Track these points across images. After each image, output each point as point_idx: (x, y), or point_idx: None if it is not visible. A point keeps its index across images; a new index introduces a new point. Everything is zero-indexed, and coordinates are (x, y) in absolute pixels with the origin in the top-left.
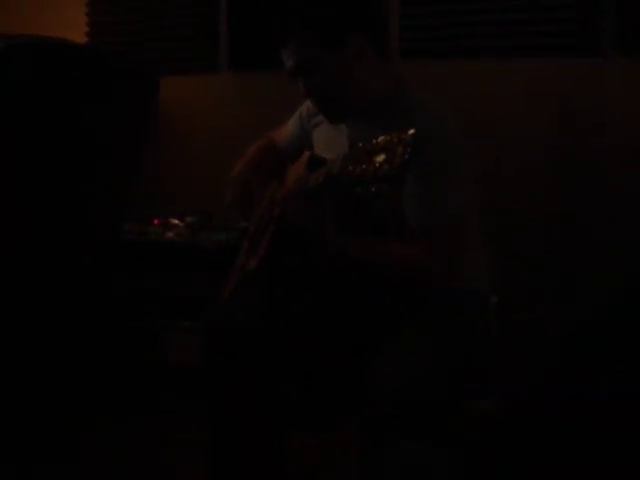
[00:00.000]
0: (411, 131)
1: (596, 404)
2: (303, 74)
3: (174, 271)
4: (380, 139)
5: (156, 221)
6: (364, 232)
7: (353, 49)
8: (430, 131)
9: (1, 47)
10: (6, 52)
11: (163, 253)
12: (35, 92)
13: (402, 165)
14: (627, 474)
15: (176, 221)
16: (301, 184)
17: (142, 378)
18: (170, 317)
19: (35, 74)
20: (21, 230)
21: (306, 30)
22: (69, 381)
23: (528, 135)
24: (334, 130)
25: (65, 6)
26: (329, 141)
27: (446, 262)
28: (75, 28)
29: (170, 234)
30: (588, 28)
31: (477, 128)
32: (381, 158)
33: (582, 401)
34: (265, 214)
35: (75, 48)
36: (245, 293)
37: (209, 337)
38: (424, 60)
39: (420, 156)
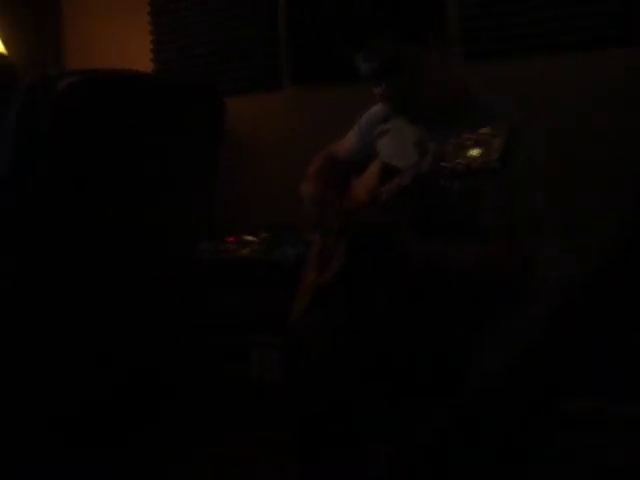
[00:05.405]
0: (507, 125)
1: None
2: (388, 75)
3: (252, 287)
4: (473, 134)
5: (231, 239)
6: (442, 231)
7: (435, 49)
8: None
9: (64, 85)
10: (69, 89)
11: (240, 270)
12: (103, 123)
13: (499, 158)
14: None
15: (250, 237)
16: (376, 194)
17: (226, 393)
18: (250, 333)
19: (99, 107)
20: (97, 256)
21: (393, 30)
22: (154, 397)
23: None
24: (403, 136)
25: (129, 37)
26: (398, 148)
27: (524, 259)
28: (141, 58)
29: (245, 251)
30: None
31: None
32: (476, 152)
33: None
34: (333, 229)
35: (140, 78)
36: (323, 307)
37: (290, 353)
38: (488, 61)
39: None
